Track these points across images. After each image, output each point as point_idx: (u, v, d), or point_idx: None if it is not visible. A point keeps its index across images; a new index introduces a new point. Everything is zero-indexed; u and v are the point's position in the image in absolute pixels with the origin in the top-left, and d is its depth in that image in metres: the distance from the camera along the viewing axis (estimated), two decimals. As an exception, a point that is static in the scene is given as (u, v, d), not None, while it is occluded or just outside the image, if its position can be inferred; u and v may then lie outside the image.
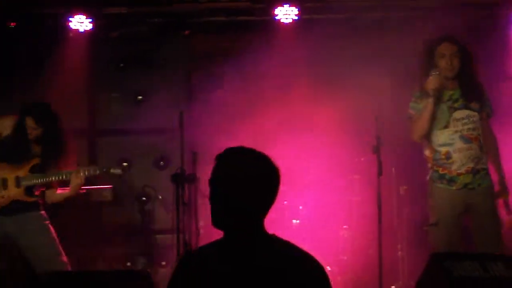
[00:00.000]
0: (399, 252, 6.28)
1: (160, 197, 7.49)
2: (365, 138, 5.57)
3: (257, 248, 2.52)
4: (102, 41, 7.41)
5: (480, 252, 4.93)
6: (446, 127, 4.98)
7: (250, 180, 2.49)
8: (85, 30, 7.09)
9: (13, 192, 5.19)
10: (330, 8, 6.98)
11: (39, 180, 5.25)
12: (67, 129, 5.39)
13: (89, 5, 7.02)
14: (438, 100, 4.95)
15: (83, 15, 7.02)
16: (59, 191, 5.42)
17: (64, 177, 5.27)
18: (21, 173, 5.22)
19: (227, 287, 2.47)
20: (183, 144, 6.10)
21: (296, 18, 7.02)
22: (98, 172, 5.36)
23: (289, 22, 7.05)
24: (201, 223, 6.58)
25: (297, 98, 6.85)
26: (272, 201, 2.57)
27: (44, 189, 5.35)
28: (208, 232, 6.64)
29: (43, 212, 5.32)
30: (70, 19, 7.02)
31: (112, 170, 5.39)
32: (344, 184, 6.56)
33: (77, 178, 5.24)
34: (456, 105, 4.99)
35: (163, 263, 7.00)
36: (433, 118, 4.97)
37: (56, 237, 5.24)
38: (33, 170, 5.27)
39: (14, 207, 5.19)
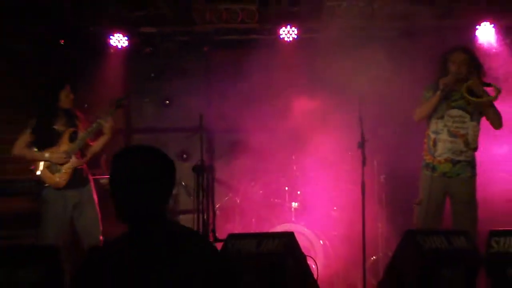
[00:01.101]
0: (379, 229, 6.38)
1: (184, 183, 7.48)
2: (352, 136, 5.45)
3: (160, 236, 2.33)
4: (136, 55, 7.56)
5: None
6: (441, 118, 5.07)
7: (145, 174, 2.31)
8: (122, 47, 7.29)
9: (70, 161, 5.17)
10: (324, 28, 7.04)
11: (82, 142, 5.24)
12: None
13: (126, 26, 7.15)
14: (446, 95, 5.03)
15: (121, 33, 7.23)
16: (92, 143, 5.40)
17: (98, 127, 5.25)
18: (64, 147, 5.16)
19: (134, 275, 2.28)
20: (202, 140, 6.23)
21: (296, 37, 7.18)
22: (113, 113, 5.31)
23: (291, 40, 7.18)
24: (217, 205, 6.70)
25: (297, 103, 6.90)
26: (169, 191, 2.40)
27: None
28: (223, 213, 6.85)
29: (92, 184, 5.32)
30: (110, 37, 7.23)
31: (118, 102, 5.38)
32: (335, 174, 6.58)
33: (107, 122, 5.26)
34: (454, 104, 5.08)
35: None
36: (435, 108, 5.07)
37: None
38: (72, 139, 5.22)
39: (75, 179, 5.15)
